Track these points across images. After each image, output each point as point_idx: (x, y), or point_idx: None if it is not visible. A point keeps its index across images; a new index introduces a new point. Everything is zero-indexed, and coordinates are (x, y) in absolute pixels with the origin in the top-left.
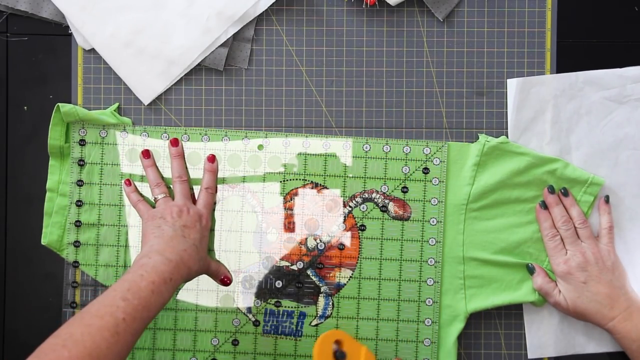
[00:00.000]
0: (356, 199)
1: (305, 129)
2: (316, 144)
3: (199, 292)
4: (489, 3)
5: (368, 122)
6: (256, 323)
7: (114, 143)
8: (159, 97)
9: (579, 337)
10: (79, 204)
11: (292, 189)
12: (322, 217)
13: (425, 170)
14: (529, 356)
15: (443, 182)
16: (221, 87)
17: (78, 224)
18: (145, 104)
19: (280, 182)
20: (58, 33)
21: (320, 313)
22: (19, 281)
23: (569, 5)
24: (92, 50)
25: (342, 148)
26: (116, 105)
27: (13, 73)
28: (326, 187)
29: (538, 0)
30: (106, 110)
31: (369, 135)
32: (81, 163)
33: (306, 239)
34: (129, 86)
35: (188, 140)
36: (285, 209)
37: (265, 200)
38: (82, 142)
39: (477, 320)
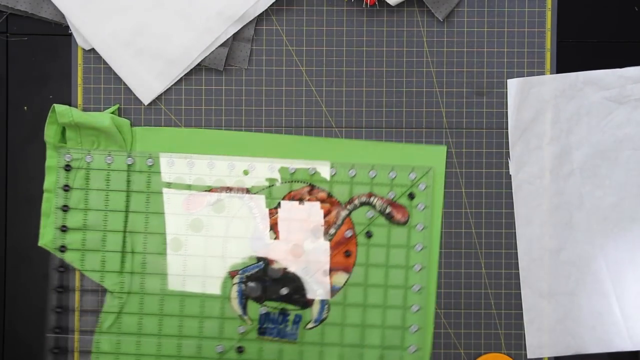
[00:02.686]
0: (354, 202)
1: (305, 129)
2: (302, 170)
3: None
4: (489, 3)
5: (368, 122)
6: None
7: (99, 168)
8: (159, 97)
9: (578, 337)
10: (64, 229)
11: (290, 192)
12: (319, 220)
13: (411, 196)
14: (529, 356)
15: (428, 207)
16: (221, 87)
17: (63, 249)
18: (145, 104)
19: (280, 184)
20: (58, 33)
21: (315, 316)
22: (19, 281)
23: (569, 5)
24: (92, 50)
25: (328, 174)
26: (116, 106)
27: (13, 73)
28: (324, 190)
29: (538, 0)
30: (104, 112)
31: (369, 135)
32: (66, 189)
33: (303, 241)
34: (129, 86)
35: (173, 165)
36: (283, 211)
37: (263, 203)
38: (68, 168)
39: (477, 320)
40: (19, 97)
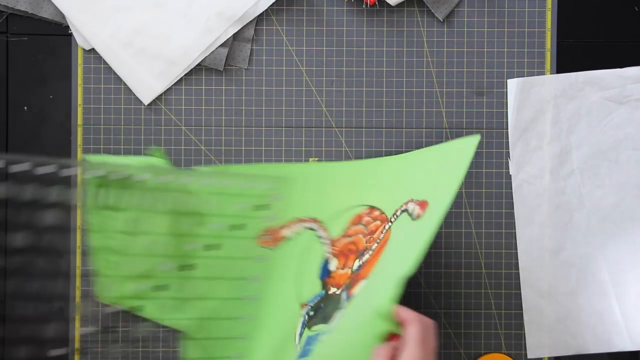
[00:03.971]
0: (397, 213)
1: (305, 129)
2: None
3: None
4: (489, 3)
5: (368, 122)
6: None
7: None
8: (159, 97)
9: (579, 337)
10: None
11: (354, 216)
12: (368, 238)
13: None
14: (529, 356)
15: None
16: (221, 87)
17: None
18: (145, 104)
19: (345, 210)
20: (58, 33)
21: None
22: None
23: (569, 5)
24: (92, 50)
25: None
26: (160, 150)
27: (13, 73)
28: (378, 209)
29: (538, 0)
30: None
31: (369, 135)
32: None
33: (354, 262)
34: (129, 86)
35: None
36: (345, 236)
37: (330, 230)
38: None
39: (477, 320)
40: (19, 97)
